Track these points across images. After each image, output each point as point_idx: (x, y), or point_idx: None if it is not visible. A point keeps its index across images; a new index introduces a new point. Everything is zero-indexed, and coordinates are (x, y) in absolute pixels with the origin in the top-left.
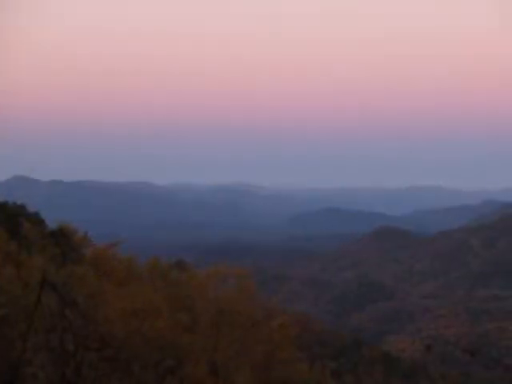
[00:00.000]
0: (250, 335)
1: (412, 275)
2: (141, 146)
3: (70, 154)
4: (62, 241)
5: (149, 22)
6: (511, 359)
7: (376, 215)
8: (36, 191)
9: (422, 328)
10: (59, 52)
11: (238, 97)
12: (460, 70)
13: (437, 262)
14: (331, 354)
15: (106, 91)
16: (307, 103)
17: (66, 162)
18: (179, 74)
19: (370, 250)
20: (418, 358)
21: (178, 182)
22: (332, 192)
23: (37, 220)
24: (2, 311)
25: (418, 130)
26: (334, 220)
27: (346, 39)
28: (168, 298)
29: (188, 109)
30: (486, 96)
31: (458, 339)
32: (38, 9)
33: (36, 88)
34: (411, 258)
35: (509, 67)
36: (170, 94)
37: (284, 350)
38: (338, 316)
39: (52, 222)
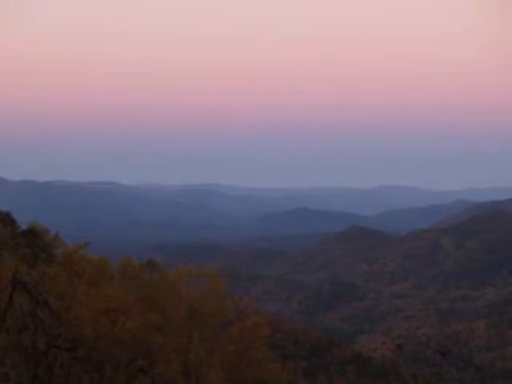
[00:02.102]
0: (221, 335)
1: (383, 275)
2: (111, 145)
3: (41, 154)
4: (34, 241)
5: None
6: (482, 359)
7: (347, 215)
8: (7, 191)
9: (394, 328)
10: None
11: (209, 98)
12: (435, 70)
13: (408, 262)
14: (303, 354)
15: (79, 92)
16: (278, 103)
17: (38, 162)
18: (154, 75)
19: (342, 250)
20: (389, 357)
21: (148, 182)
22: (303, 192)
23: (8, 220)
24: None
25: (388, 129)
26: (305, 220)
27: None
28: (139, 298)
29: (160, 109)
30: (459, 97)
31: (429, 339)
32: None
33: (8, 88)
34: (382, 258)
35: (483, 67)
36: (144, 96)
37: (256, 350)
38: (310, 316)
39: (23, 222)
